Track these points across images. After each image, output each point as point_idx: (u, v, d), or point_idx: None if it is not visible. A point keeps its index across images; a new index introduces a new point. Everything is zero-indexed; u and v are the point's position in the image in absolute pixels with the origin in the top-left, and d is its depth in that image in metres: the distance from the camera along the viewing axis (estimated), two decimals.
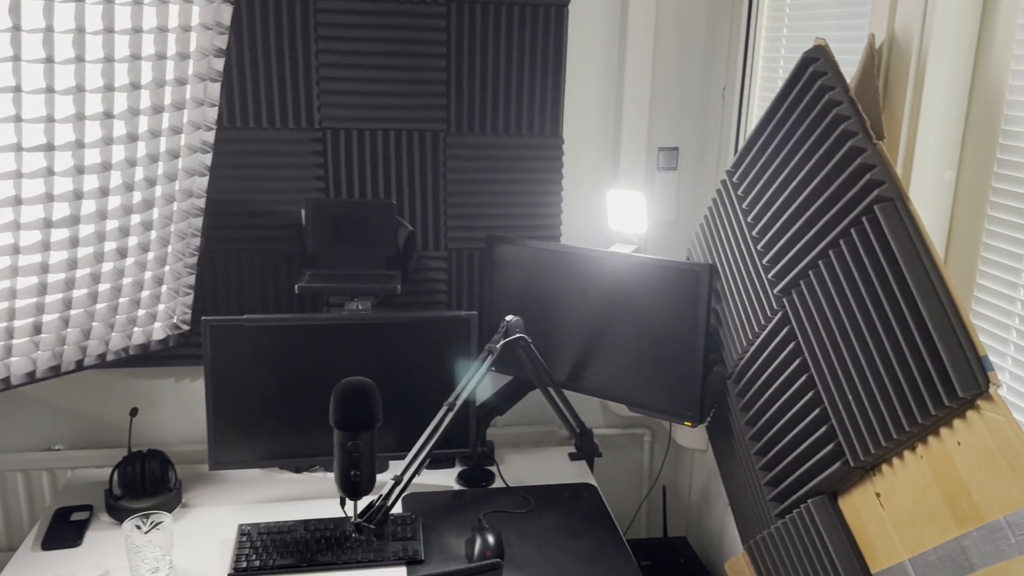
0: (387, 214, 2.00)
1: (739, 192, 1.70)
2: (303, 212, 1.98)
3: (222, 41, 1.68)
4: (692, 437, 2.17)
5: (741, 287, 1.68)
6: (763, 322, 1.60)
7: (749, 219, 1.65)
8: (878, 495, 1.32)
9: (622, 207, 2.02)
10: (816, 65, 1.45)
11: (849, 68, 1.45)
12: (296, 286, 1.90)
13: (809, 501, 1.46)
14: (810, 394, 1.45)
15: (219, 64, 1.70)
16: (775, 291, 1.55)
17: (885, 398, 1.27)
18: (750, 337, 1.65)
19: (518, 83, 2.11)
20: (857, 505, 1.38)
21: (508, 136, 2.15)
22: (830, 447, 1.40)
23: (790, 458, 1.52)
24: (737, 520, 1.81)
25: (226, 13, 1.65)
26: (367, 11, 2.00)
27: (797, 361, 1.49)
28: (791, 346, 1.51)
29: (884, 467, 1.31)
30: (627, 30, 2.10)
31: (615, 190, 2.05)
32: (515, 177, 2.18)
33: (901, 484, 1.27)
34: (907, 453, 1.25)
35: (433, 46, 2.05)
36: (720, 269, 1.78)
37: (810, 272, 1.44)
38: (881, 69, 1.44)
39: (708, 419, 1.91)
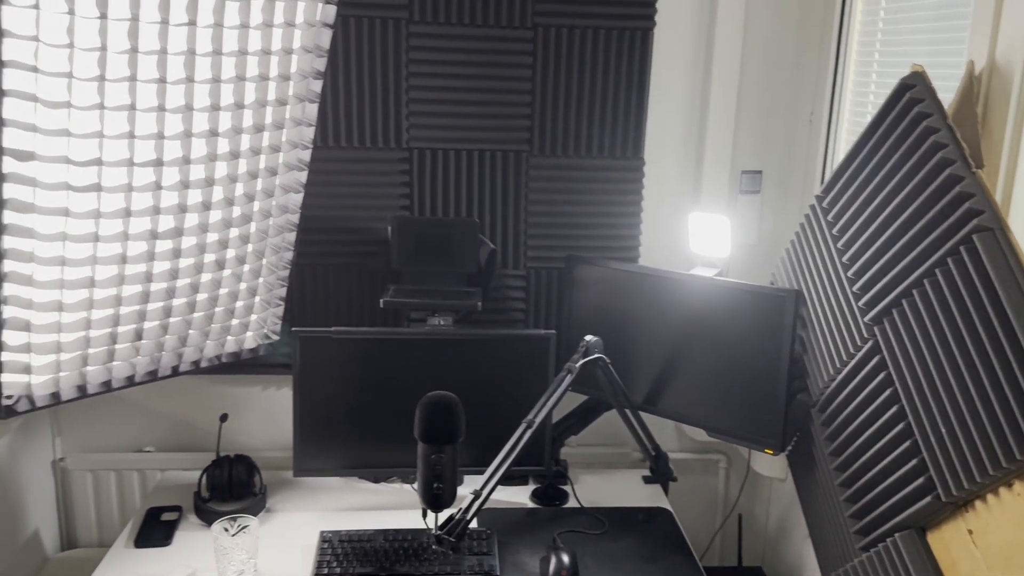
0: (470, 232, 2.04)
1: (829, 217, 1.68)
2: (389, 229, 2.03)
3: (321, 64, 1.74)
4: (771, 465, 2.14)
5: (829, 314, 1.66)
6: (852, 351, 1.58)
7: (839, 245, 1.63)
8: (970, 532, 1.29)
9: (705, 230, 2.01)
10: (913, 92, 1.43)
11: (945, 95, 1.43)
12: (381, 300, 1.95)
13: (896, 535, 1.42)
14: (900, 426, 1.42)
15: (317, 86, 1.77)
16: (865, 319, 1.53)
17: (981, 432, 1.24)
18: (837, 366, 1.63)
19: (601, 105, 2.13)
20: (947, 542, 1.34)
21: (590, 157, 2.16)
22: (920, 481, 1.37)
23: (877, 490, 1.48)
24: (817, 552, 1.78)
25: (325, 36, 1.71)
26: (457, 36, 2.05)
27: (887, 392, 1.46)
28: (881, 376, 1.48)
29: (978, 503, 1.27)
30: (713, 53, 2.10)
31: (698, 213, 2.05)
32: (595, 198, 2.19)
33: (996, 522, 1.23)
34: (1003, 490, 1.22)
35: (519, 69, 2.09)
36: (806, 295, 1.76)
37: (903, 301, 1.42)
38: (980, 96, 1.41)
39: (789, 447, 1.88)
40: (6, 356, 1.60)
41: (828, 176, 1.99)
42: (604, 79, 2.11)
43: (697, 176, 2.20)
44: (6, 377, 1.62)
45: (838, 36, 2.00)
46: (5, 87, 1.37)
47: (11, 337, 1.59)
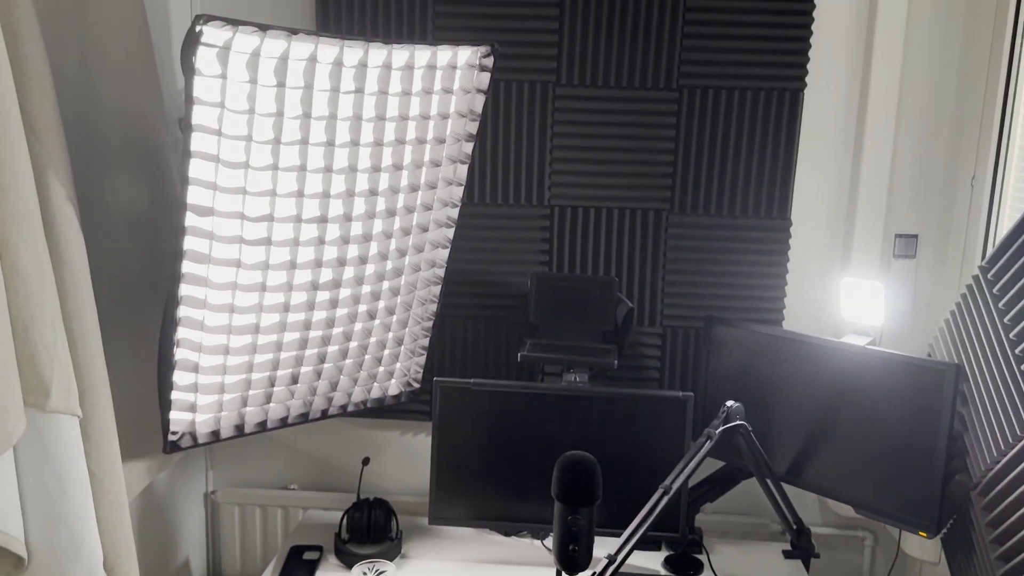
0: (608, 290, 2.05)
1: (995, 290, 1.59)
2: (528, 283, 2.07)
3: (473, 127, 1.81)
4: (923, 547, 2.01)
5: (993, 391, 1.56)
6: (1019, 432, 1.47)
7: (1006, 320, 1.54)
8: None
9: (857, 296, 1.94)
10: None
11: None
12: (519, 354, 1.98)
13: None
14: None
15: (468, 148, 1.84)
16: None
17: None
18: (1002, 447, 1.53)
19: (746, 165, 2.11)
20: None
21: (732, 217, 2.14)
22: None
23: None
24: None
25: (479, 102, 1.78)
26: (602, 97, 2.09)
27: None
28: None
29: None
30: (867, 112, 2.05)
31: (850, 278, 1.98)
32: (737, 258, 2.16)
33: None
34: None
35: (662, 129, 2.10)
36: (967, 370, 1.66)
37: None
38: None
39: (945, 530, 1.77)
40: (175, 395, 1.72)
41: (992, 243, 1.90)
42: (750, 139, 2.09)
43: (847, 239, 2.13)
44: (173, 415, 1.74)
45: (1004, 95, 1.90)
46: (193, 149, 1.50)
47: (181, 377, 1.71)
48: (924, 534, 1.73)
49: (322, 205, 1.67)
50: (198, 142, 1.51)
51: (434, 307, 2.04)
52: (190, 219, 1.56)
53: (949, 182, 2.08)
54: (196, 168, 1.53)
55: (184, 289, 1.62)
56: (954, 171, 2.07)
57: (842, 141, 2.11)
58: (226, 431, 1.84)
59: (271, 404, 1.88)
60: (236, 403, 1.82)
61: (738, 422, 1.79)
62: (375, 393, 2.07)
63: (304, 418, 1.96)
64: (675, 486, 1.71)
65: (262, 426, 1.89)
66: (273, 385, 1.84)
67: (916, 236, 2.11)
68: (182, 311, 1.64)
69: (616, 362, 1.97)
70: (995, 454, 1.55)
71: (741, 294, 2.17)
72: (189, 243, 1.59)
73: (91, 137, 1.68)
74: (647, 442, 1.95)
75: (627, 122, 2.10)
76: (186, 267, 1.60)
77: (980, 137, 1.97)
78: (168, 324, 1.65)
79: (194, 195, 1.55)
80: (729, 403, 1.81)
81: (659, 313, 2.20)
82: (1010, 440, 1.50)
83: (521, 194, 2.15)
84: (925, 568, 2.13)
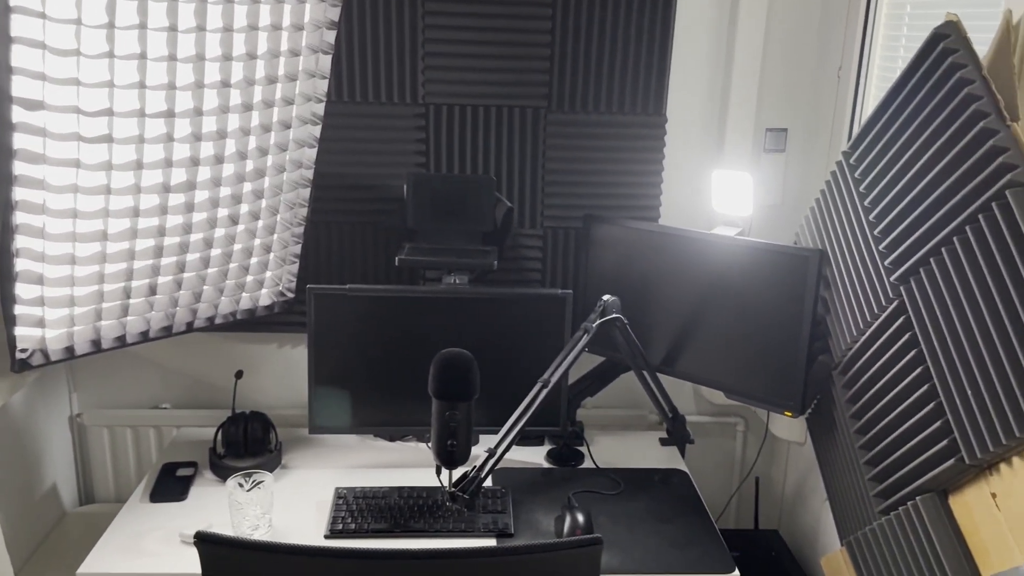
0: (486, 189, 2.01)
1: (856, 174, 1.63)
2: (405, 186, 2.00)
3: (335, 13, 1.70)
4: (789, 429, 2.12)
5: (854, 274, 1.62)
6: (876, 311, 1.54)
7: (866, 203, 1.58)
8: (994, 495, 1.26)
9: (727, 188, 1.97)
10: (947, 42, 1.38)
11: (980, 46, 1.37)
12: (397, 258, 1.93)
13: (918, 498, 1.40)
14: (925, 387, 1.39)
15: (331, 37, 1.73)
16: (891, 279, 1.49)
17: (1008, 393, 1.20)
18: (861, 327, 1.59)
19: (622, 60, 2.08)
20: (970, 505, 1.31)
21: (610, 114, 2.12)
22: (944, 443, 1.34)
23: (899, 453, 1.46)
24: (836, 515, 1.76)
25: None
26: None
27: (912, 352, 1.43)
28: (906, 337, 1.44)
29: (1002, 466, 1.24)
30: (739, 7, 2.04)
31: (720, 171, 2.00)
32: (615, 156, 2.15)
33: (1020, 485, 1.20)
34: None
35: (538, 21, 2.04)
36: (831, 255, 1.72)
37: (931, 259, 1.38)
38: (1017, 46, 1.35)
39: (809, 410, 1.85)
40: (20, 309, 1.60)
41: (856, 133, 1.94)
42: (626, 32, 2.06)
43: (720, 134, 2.15)
44: (20, 331, 1.62)
45: None
46: (13, 34, 1.35)
47: (24, 290, 1.58)
48: (789, 414, 1.82)
49: (168, 97, 1.55)
50: (20, 26, 1.35)
51: (304, 212, 1.95)
52: (17, 114, 1.41)
53: (818, 75, 2.11)
54: (20, 56, 1.37)
55: (18, 193, 1.48)
56: (822, 64, 2.10)
57: (715, 35, 2.11)
58: (81, 347, 1.73)
59: (129, 317, 1.77)
60: (89, 316, 1.70)
61: (614, 315, 1.81)
62: (245, 304, 1.98)
63: (168, 332, 1.86)
64: (554, 379, 1.72)
65: (121, 341, 1.79)
66: (129, 297, 1.73)
67: (785, 130, 2.15)
68: (18, 217, 1.50)
69: (496, 263, 1.95)
70: (855, 334, 1.62)
71: (619, 192, 2.17)
72: (19, 141, 1.44)
73: None
74: (528, 341, 1.95)
75: (502, 13, 2.03)
76: (18, 168, 1.46)
77: (847, 28, 2.00)
78: (5, 232, 1.51)
79: (20, 87, 1.40)
80: (605, 297, 1.82)
81: (539, 213, 2.18)
82: (868, 319, 1.57)
83: (393, 91, 2.06)
84: (792, 448, 2.26)
